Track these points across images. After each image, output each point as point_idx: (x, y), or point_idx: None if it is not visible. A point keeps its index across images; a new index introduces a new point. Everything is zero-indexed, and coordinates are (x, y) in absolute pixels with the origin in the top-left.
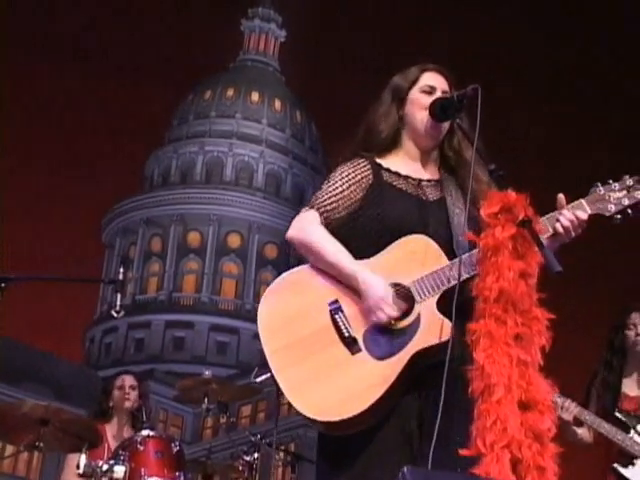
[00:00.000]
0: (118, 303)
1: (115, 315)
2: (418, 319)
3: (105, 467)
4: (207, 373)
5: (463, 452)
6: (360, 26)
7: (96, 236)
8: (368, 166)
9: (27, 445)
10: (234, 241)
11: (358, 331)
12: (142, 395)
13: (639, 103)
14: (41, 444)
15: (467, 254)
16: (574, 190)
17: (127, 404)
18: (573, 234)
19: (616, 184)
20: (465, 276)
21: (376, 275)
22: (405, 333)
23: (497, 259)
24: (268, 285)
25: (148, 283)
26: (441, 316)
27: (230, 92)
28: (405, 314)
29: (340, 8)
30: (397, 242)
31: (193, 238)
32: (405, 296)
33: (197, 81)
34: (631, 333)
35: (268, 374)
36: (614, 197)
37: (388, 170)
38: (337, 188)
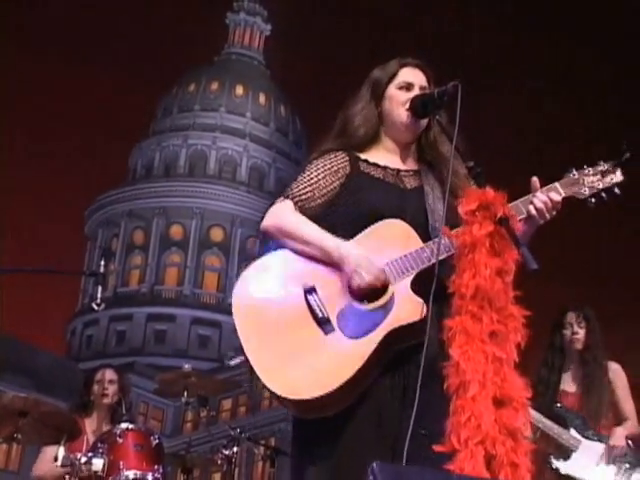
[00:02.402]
0: (99, 296)
1: (96, 308)
2: (392, 300)
3: (84, 459)
4: (187, 366)
5: (437, 448)
6: (346, 21)
7: (78, 228)
8: (345, 157)
9: (6, 437)
10: (217, 234)
11: (332, 312)
12: (122, 388)
13: (612, 86)
14: (19, 436)
15: (440, 239)
16: (548, 175)
17: (105, 400)
18: (547, 216)
19: (590, 168)
20: (441, 256)
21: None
22: (379, 313)
23: (474, 256)
24: None
25: (130, 276)
26: (415, 297)
27: (214, 85)
28: (379, 295)
29: (326, 2)
30: (374, 226)
31: (176, 231)
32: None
33: (182, 74)
34: (567, 332)
35: (242, 357)
36: (588, 181)
37: (366, 161)
38: (312, 178)
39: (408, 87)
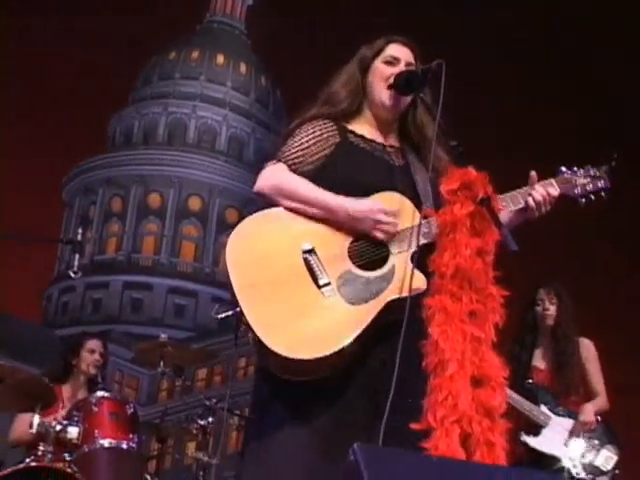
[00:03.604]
0: (76, 264)
1: (73, 275)
2: (392, 270)
3: (58, 427)
4: (163, 336)
5: (413, 426)
6: None
7: (55, 195)
8: (334, 126)
9: None
10: (195, 204)
11: (332, 275)
12: (105, 360)
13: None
14: None
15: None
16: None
17: (93, 370)
18: (543, 210)
19: (581, 171)
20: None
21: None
22: (379, 282)
23: (455, 236)
24: None
25: (107, 243)
26: (416, 270)
27: (195, 54)
28: (380, 264)
29: None
30: (377, 194)
31: (154, 200)
32: (379, 249)
33: (163, 42)
34: (539, 309)
35: (231, 311)
36: (579, 182)
37: (353, 132)
38: (303, 143)
39: (393, 62)
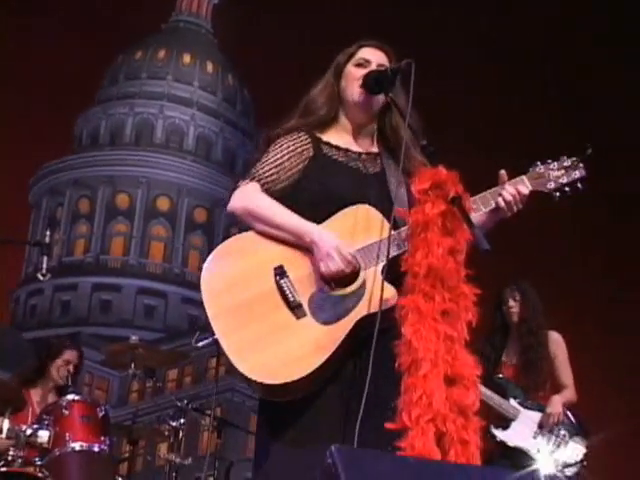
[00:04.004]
0: (44, 266)
1: (41, 278)
2: (363, 286)
3: (29, 431)
4: (134, 338)
5: (388, 426)
6: None
7: (22, 196)
8: (308, 139)
9: None
10: (163, 204)
11: (303, 296)
12: (78, 371)
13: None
14: None
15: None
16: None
17: (63, 381)
18: (515, 209)
19: (555, 163)
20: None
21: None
22: (350, 299)
23: (426, 235)
24: (197, 249)
25: (75, 245)
26: (387, 284)
27: (162, 53)
28: (350, 281)
29: None
30: (341, 212)
31: (122, 200)
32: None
33: (129, 41)
34: (505, 308)
35: (210, 339)
36: (553, 175)
37: (328, 144)
38: (277, 159)
39: (364, 64)
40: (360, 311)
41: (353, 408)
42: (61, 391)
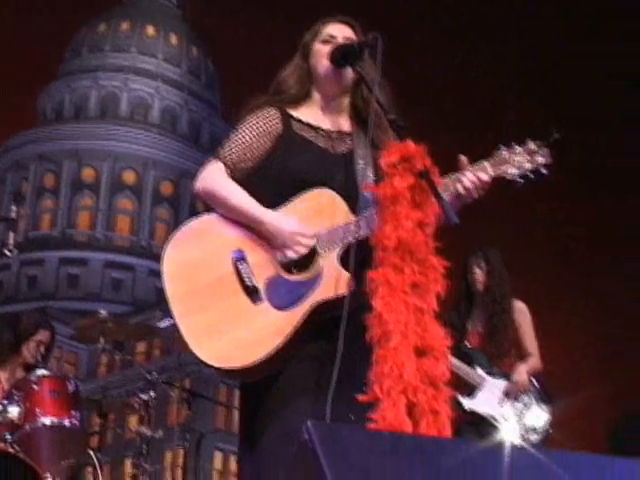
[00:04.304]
0: (11, 242)
1: (8, 254)
2: (320, 272)
3: None
4: (103, 312)
5: (361, 398)
6: None
7: None
8: (278, 115)
9: None
10: (129, 177)
11: (260, 281)
12: (50, 352)
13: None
14: None
15: (370, 212)
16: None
17: (33, 360)
18: (475, 195)
19: (519, 148)
20: (367, 233)
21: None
22: (306, 285)
23: (395, 209)
24: (164, 222)
25: (41, 219)
26: (343, 271)
27: (125, 26)
28: (307, 265)
29: None
30: (303, 195)
31: (87, 174)
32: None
33: (91, 13)
34: (470, 276)
35: (172, 320)
36: (517, 160)
37: (299, 120)
38: (245, 138)
39: (330, 40)
40: (315, 297)
41: (323, 385)
42: (29, 367)
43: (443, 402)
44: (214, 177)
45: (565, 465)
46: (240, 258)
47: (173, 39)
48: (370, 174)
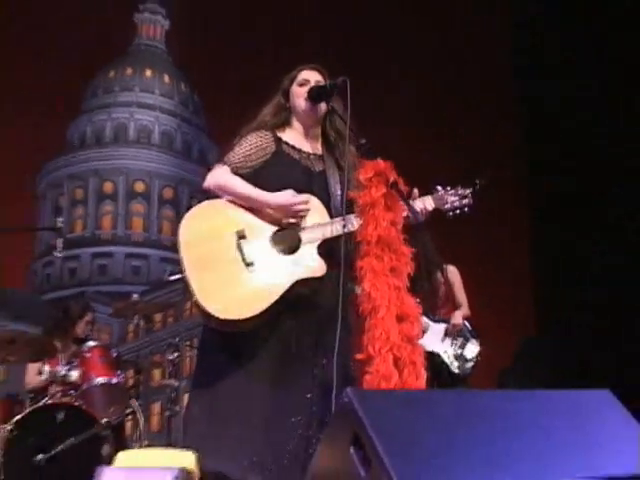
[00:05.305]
0: (60, 246)
1: (58, 255)
2: (302, 257)
3: (63, 372)
4: (135, 295)
5: (358, 356)
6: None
7: (23, 191)
8: (271, 137)
9: (2, 360)
10: (139, 187)
11: (256, 256)
12: (94, 325)
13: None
14: (12, 358)
15: (341, 217)
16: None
17: (83, 336)
18: (421, 219)
19: (452, 190)
20: (345, 230)
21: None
22: (291, 264)
23: (374, 212)
24: (168, 220)
25: (75, 224)
26: (319, 258)
27: (129, 70)
28: (294, 250)
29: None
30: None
31: (107, 187)
32: (294, 238)
33: (103, 62)
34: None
35: (179, 275)
36: (450, 200)
37: (286, 143)
38: (245, 151)
39: (305, 83)
40: (298, 274)
41: (292, 350)
42: (80, 341)
43: (418, 355)
44: (223, 175)
45: (546, 403)
46: (242, 236)
47: (166, 78)
48: (338, 189)
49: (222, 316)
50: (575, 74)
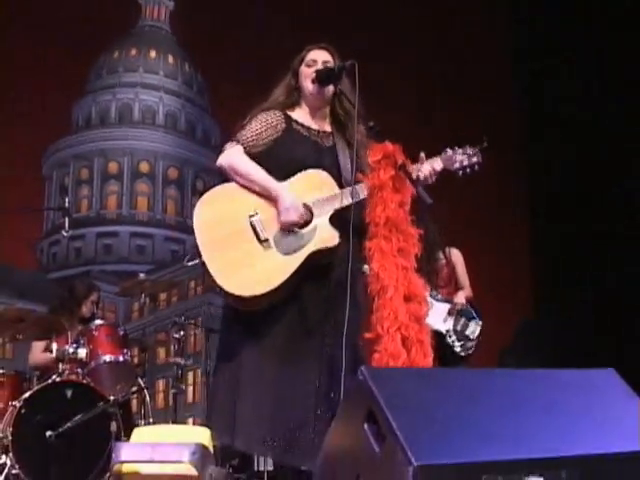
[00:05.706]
0: (67, 226)
1: (65, 234)
2: (315, 229)
3: (71, 350)
4: (142, 275)
5: (367, 335)
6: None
7: (31, 171)
8: (281, 115)
9: (10, 338)
10: (144, 167)
11: (270, 234)
12: (99, 304)
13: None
14: (20, 336)
15: (350, 188)
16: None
17: (89, 315)
18: (430, 181)
19: (460, 150)
20: (354, 200)
21: (289, 191)
22: (304, 238)
23: (382, 194)
24: (172, 199)
25: (81, 204)
26: (332, 228)
27: (133, 51)
28: (306, 224)
29: None
30: (302, 173)
31: (112, 167)
32: (307, 211)
33: (108, 42)
34: None
35: (197, 260)
36: (458, 159)
37: (296, 121)
38: (257, 129)
39: (313, 64)
40: (311, 247)
41: (306, 324)
42: (86, 320)
43: (426, 334)
44: (236, 156)
45: (554, 382)
46: (254, 215)
47: (170, 59)
48: (348, 164)
49: (242, 293)
50: (575, 74)
